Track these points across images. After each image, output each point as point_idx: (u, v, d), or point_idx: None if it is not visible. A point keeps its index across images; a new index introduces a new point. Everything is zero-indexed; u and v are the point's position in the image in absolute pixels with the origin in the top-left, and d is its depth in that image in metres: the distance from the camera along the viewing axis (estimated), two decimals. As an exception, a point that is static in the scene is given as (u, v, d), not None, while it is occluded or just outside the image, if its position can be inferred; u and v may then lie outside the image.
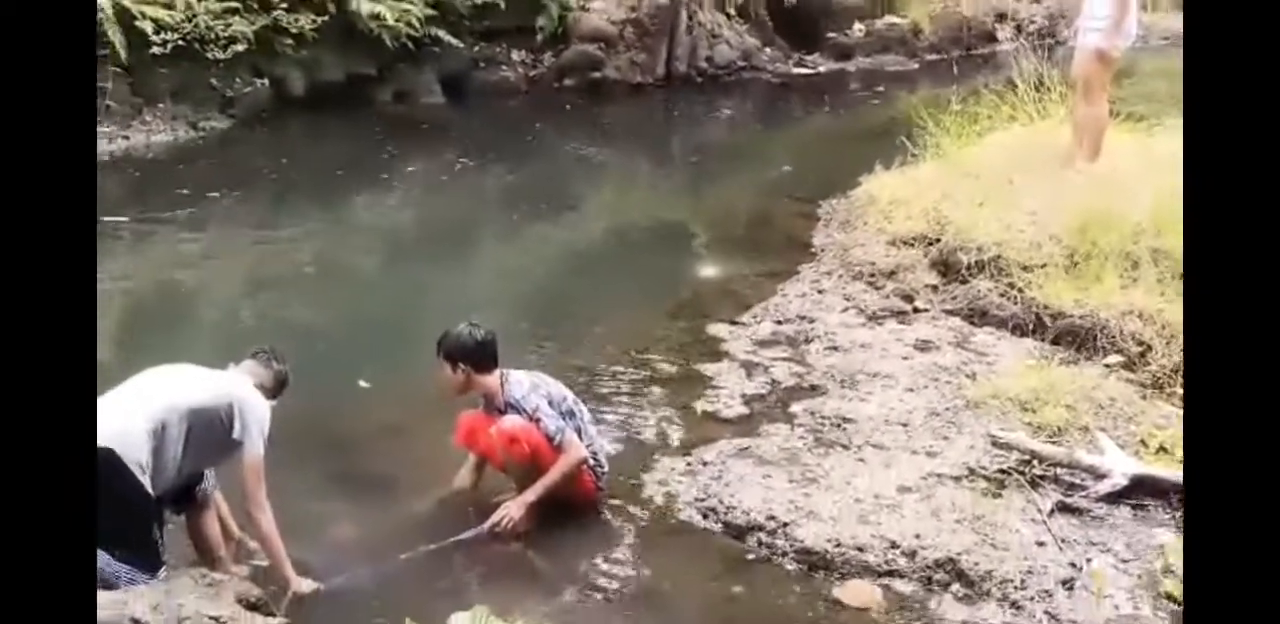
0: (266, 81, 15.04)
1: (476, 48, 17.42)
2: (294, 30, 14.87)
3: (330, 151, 13.72)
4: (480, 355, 5.60)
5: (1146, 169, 9.12)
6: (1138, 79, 16.85)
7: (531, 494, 5.48)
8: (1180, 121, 10.89)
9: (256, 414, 4.73)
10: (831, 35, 20.17)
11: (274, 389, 4.99)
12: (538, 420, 5.50)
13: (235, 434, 4.67)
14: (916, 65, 20.30)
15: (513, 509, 5.46)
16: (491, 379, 5.63)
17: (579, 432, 5.64)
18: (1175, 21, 22.57)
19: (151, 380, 4.74)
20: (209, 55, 14.33)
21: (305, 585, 4.89)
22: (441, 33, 16.25)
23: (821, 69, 19.80)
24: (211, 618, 4.11)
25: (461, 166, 13.54)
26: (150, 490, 4.46)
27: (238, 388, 4.78)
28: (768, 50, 19.66)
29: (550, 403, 5.61)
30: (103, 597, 4.02)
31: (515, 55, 17.83)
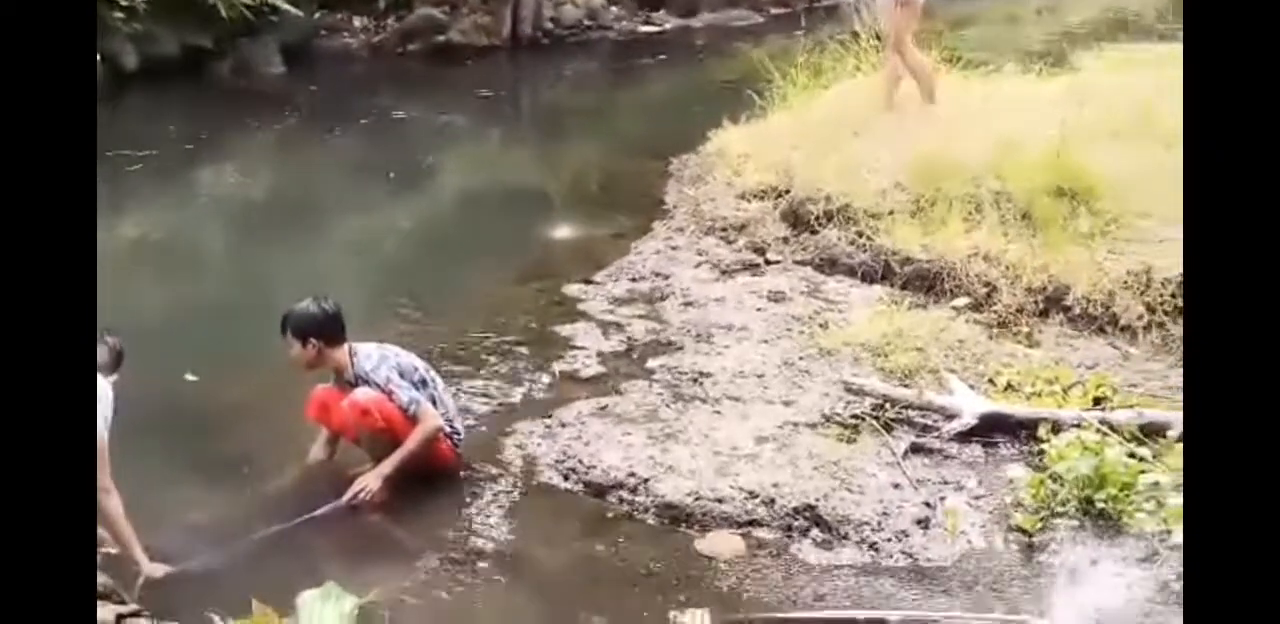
0: (98, 57, 14.52)
1: (316, 16, 17.03)
2: (125, 3, 14.34)
3: (169, 127, 13.30)
4: (330, 328, 5.52)
5: (987, 114, 9.29)
6: (977, 26, 17.15)
7: (388, 466, 5.42)
8: (1019, 67, 11.18)
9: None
10: (678, -8, 20.14)
11: (110, 365, 4.84)
12: (390, 392, 5.44)
13: (76, 418, 4.52)
14: (762, 19, 20.36)
15: (369, 481, 5.40)
16: (340, 353, 5.55)
17: (433, 400, 5.59)
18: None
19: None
20: (34, 31, 13.77)
21: (157, 570, 4.78)
22: (280, 2, 15.80)
23: (668, 26, 19.75)
24: (57, 610, 3.97)
25: (305, 137, 13.26)
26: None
27: (72, 369, 4.62)
28: (613, 9, 19.57)
29: (401, 374, 5.54)
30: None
31: (357, 22, 17.50)
